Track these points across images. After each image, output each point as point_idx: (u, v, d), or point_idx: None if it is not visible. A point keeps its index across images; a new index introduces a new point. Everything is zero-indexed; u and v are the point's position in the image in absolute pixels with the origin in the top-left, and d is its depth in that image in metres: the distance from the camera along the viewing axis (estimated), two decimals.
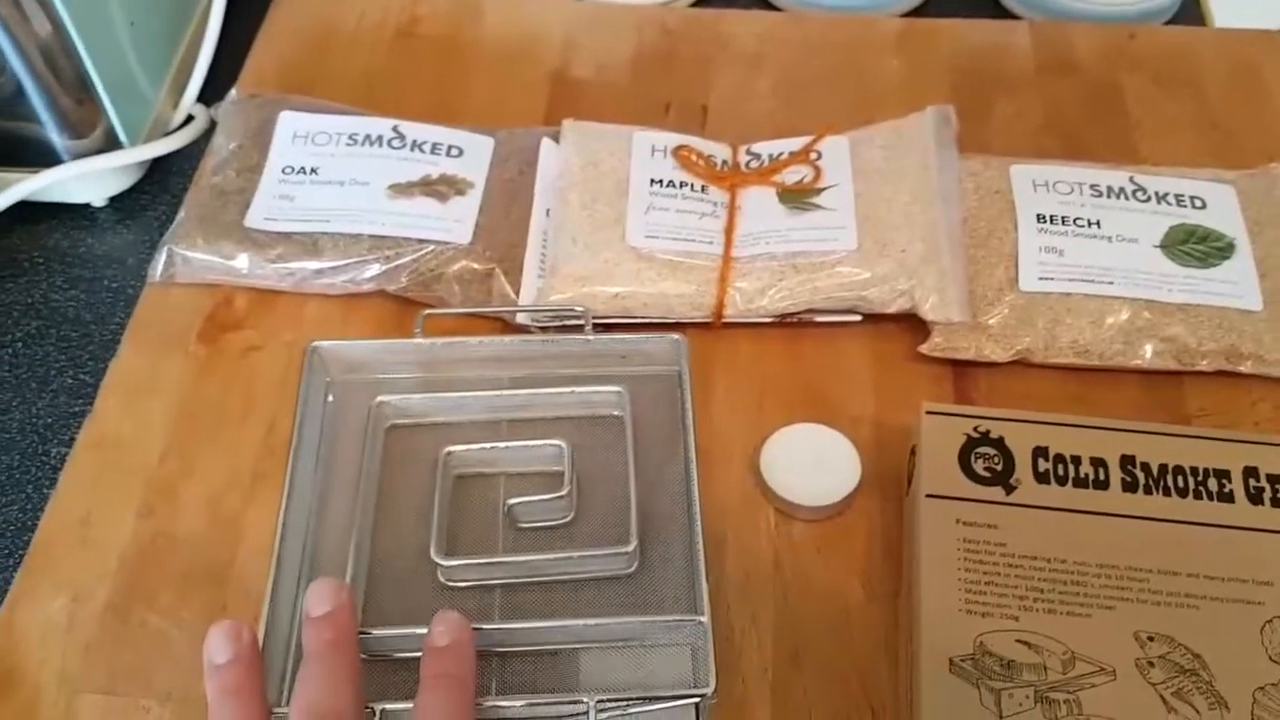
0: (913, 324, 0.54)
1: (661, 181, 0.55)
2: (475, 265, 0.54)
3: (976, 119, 0.61)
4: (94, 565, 0.48)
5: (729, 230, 0.54)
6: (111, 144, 0.60)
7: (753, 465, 0.50)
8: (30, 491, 0.51)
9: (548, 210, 0.56)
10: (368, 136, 0.58)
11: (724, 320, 0.53)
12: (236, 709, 0.36)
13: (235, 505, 0.49)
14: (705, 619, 0.41)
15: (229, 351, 0.54)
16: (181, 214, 0.57)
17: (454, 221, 0.55)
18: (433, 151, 0.58)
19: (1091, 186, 0.55)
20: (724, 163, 0.57)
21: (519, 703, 0.38)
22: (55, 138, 0.58)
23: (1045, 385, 0.52)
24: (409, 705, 0.37)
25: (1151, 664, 0.39)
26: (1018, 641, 0.40)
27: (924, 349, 0.52)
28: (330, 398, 0.50)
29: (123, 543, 0.48)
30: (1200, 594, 0.41)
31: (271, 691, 0.41)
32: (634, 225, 0.54)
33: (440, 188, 0.56)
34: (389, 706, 0.39)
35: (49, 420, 0.54)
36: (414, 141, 0.58)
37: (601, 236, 0.54)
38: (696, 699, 0.40)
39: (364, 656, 0.42)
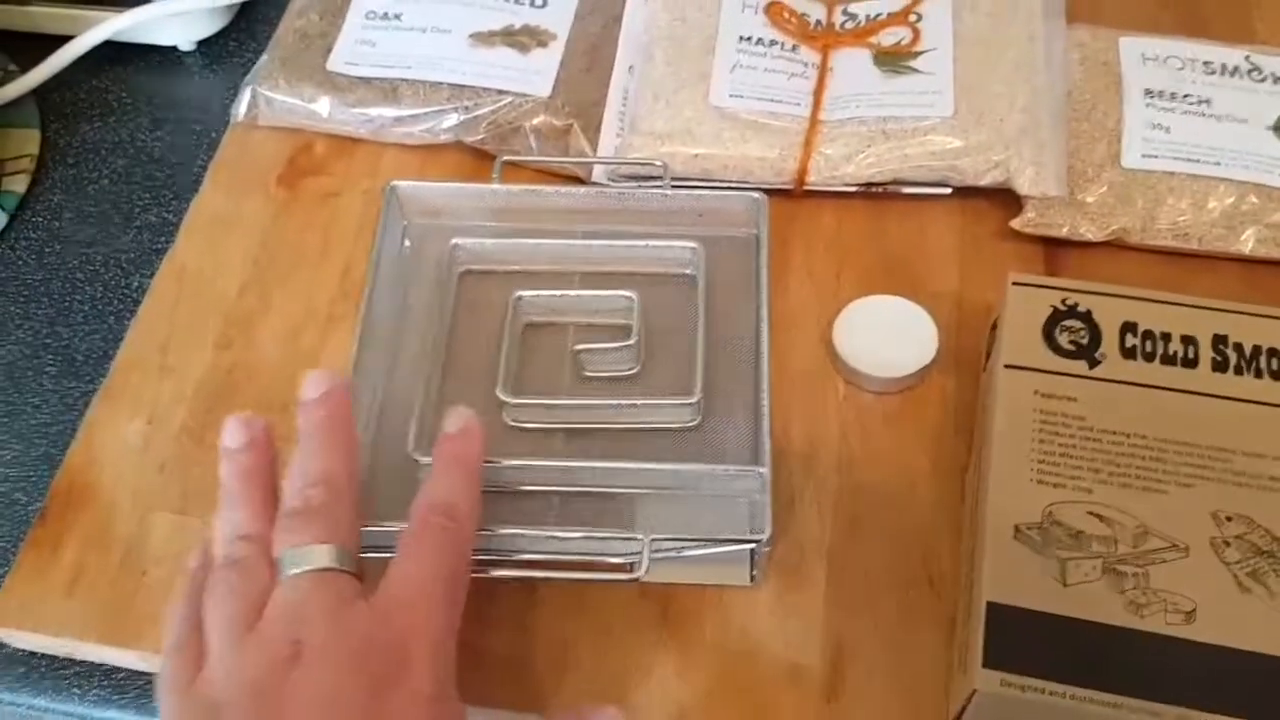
0: (1004, 200, 0.52)
1: (750, 39, 0.54)
2: (554, 120, 0.54)
3: None
4: (171, 391, 0.49)
5: (818, 92, 0.52)
6: None
7: (825, 338, 0.49)
8: (112, 322, 0.52)
9: (631, 67, 0.55)
10: None
11: (806, 187, 0.52)
12: (251, 490, 0.38)
13: (311, 342, 0.50)
14: (765, 470, 0.41)
15: (308, 196, 0.55)
16: (265, 55, 0.56)
17: (534, 74, 0.54)
18: (517, 1, 0.56)
19: (1205, 63, 0.52)
20: (818, 22, 0.55)
21: (576, 534, 0.38)
22: None
23: (1140, 269, 0.50)
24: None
25: (1227, 543, 0.38)
26: (1089, 513, 0.39)
27: (1015, 224, 0.50)
28: (406, 241, 0.50)
29: (200, 371, 0.49)
30: None
31: None
32: (719, 83, 0.52)
33: (522, 38, 0.55)
34: None
35: (132, 255, 0.55)
36: None
37: (684, 94, 0.52)
38: (752, 544, 0.40)
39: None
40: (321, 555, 0.35)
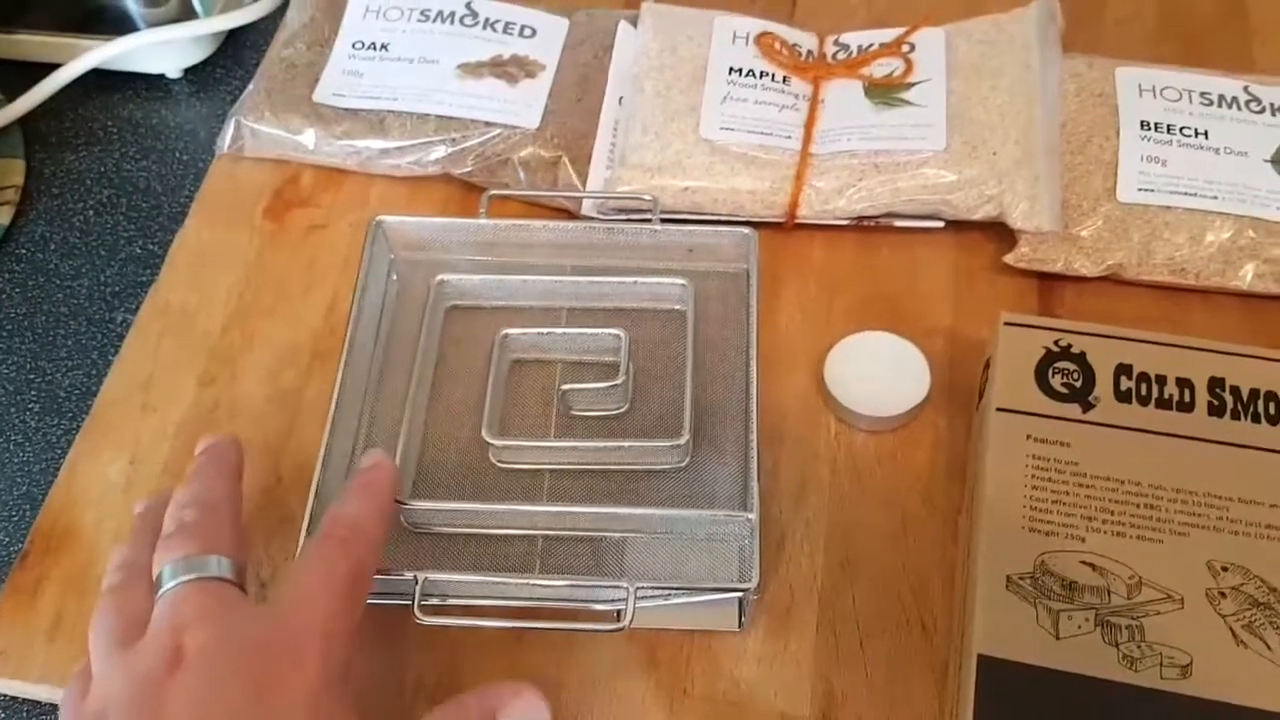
0: (998, 234, 0.51)
1: (741, 70, 0.53)
2: (542, 152, 0.53)
3: (1087, 19, 0.58)
4: (153, 429, 0.48)
5: (809, 124, 0.51)
6: (187, 14, 0.59)
7: (816, 373, 0.48)
8: (95, 358, 0.52)
9: (620, 98, 0.54)
10: (440, 13, 0.56)
11: (797, 220, 0.51)
12: (142, 529, 0.39)
13: (294, 379, 0.49)
14: (753, 516, 0.40)
15: (294, 228, 0.54)
16: (251, 86, 0.56)
17: (523, 105, 0.54)
18: (505, 31, 0.56)
19: (1202, 94, 0.51)
20: (809, 53, 0.54)
21: (560, 582, 0.37)
22: (132, 5, 0.58)
23: (1135, 305, 0.50)
24: (451, 576, 0.37)
25: (1223, 594, 0.37)
26: (1082, 563, 0.38)
27: (1009, 259, 0.50)
28: (393, 276, 0.49)
29: (182, 409, 0.48)
30: None
31: None
32: (709, 116, 0.52)
33: (510, 69, 0.55)
34: (431, 575, 0.39)
35: (116, 288, 0.54)
36: (486, 19, 0.56)
37: (674, 127, 0.52)
38: (739, 593, 0.39)
39: (411, 529, 0.42)
40: (199, 564, 0.35)
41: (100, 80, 0.60)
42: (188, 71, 0.62)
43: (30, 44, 0.60)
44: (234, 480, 0.40)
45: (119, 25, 0.58)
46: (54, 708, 0.43)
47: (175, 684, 0.32)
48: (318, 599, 0.34)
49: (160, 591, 0.35)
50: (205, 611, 0.34)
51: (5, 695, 0.44)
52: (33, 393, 0.51)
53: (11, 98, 0.58)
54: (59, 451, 0.49)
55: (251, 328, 0.51)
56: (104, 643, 0.35)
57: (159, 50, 0.60)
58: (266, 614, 0.34)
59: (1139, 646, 0.36)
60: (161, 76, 0.61)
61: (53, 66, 0.58)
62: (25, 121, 0.59)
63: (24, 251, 0.55)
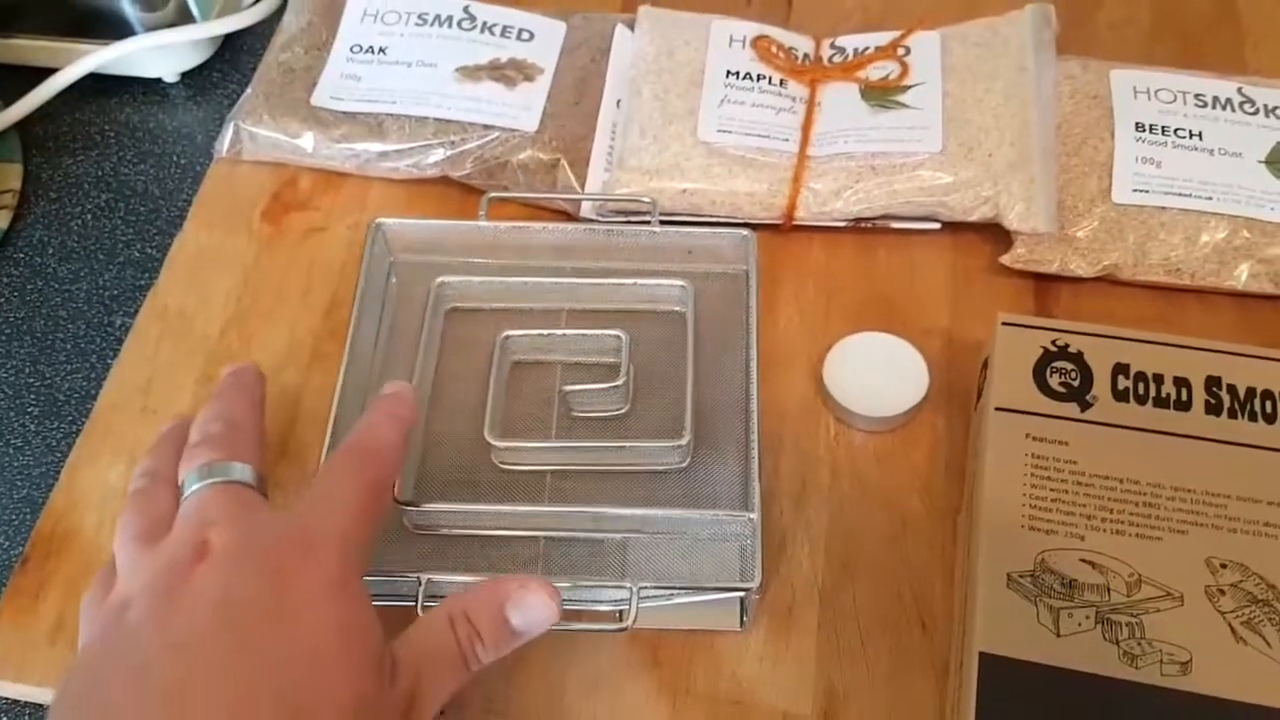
0: (994, 235, 0.51)
1: (738, 74, 0.53)
2: (541, 155, 0.53)
3: (1081, 21, 0.58)
4: (154, 432, 0.47)
5: (806, 127, 0.52)
6: (184, 18, 0.59)
7: (815, 374, 0.48)
8: (95, 361, 0.52)
9: (618, 101, 0.54)
10: (438, 16, 0.56)
11: (795, 222, 0.51)
12: (164, 443, 0.41)
13: (293, 380, 0.49)
14: (755, 516, 0.40)
15: (293, 231, 0.54)
16: (249, 90, 0.56)
17: (521, 108, 0.54)
18: (503, 34, 0.56)
19: (1196, 96, 0.52)
20: (805, 56, 0.55)
21: (563, 584, 0.37)
22: (129, 9, 0.58)
23: (1131, 305, 0.50)
24: (454, 577, 0.37)
25: (1222, 591, 0.37)
26: (1081, 561, 0.38)
27: (1005, 260, 0.50)
28: (392, 278, 0.49)
29: (182, 412, 0.48)
30: None
31: None
32: (706, 119, 0.52)
33: (509, 72, 0.55)
34: (434, 577, 0.39)
35: (115, 292, 0.54)
36: (484, 23, 0.56)
37: (672, 130, 0.52)
38: (741, 593, 0.40)
39: (413, 530, 0.42)
40: (223, 470, 0.37)
41: (97, 85, 0.60)
42: (185, 76, 0.62)
43: (27, 48, 0.60)
44: (257, 401, 0.41)
45: (116, 30, 0.58)
46: None
47: (199, 574, 0.33)
48: (336, 504, 0.36)
49: (185, 494, 0.36)
50: (229, 511, 0.35)
51: (6, 699, 0.44)
52: (32, 396, 0.51)
53: (8, 102, 0.58)
54: (59, 455, 0.49)
55: (250, 330, 0.51)
56: (129, 541, 0.36)
57: (156, 54, 0.60)
58: (287, 516, 0.36)
59: (1139, 643, 0.37)
60: (158, 81, 0.61)
61: (49, 71, 0.59)
62: (22, 126, 0.59)
63: (22, 255, 0.55)
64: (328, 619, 0.33)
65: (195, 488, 0.36)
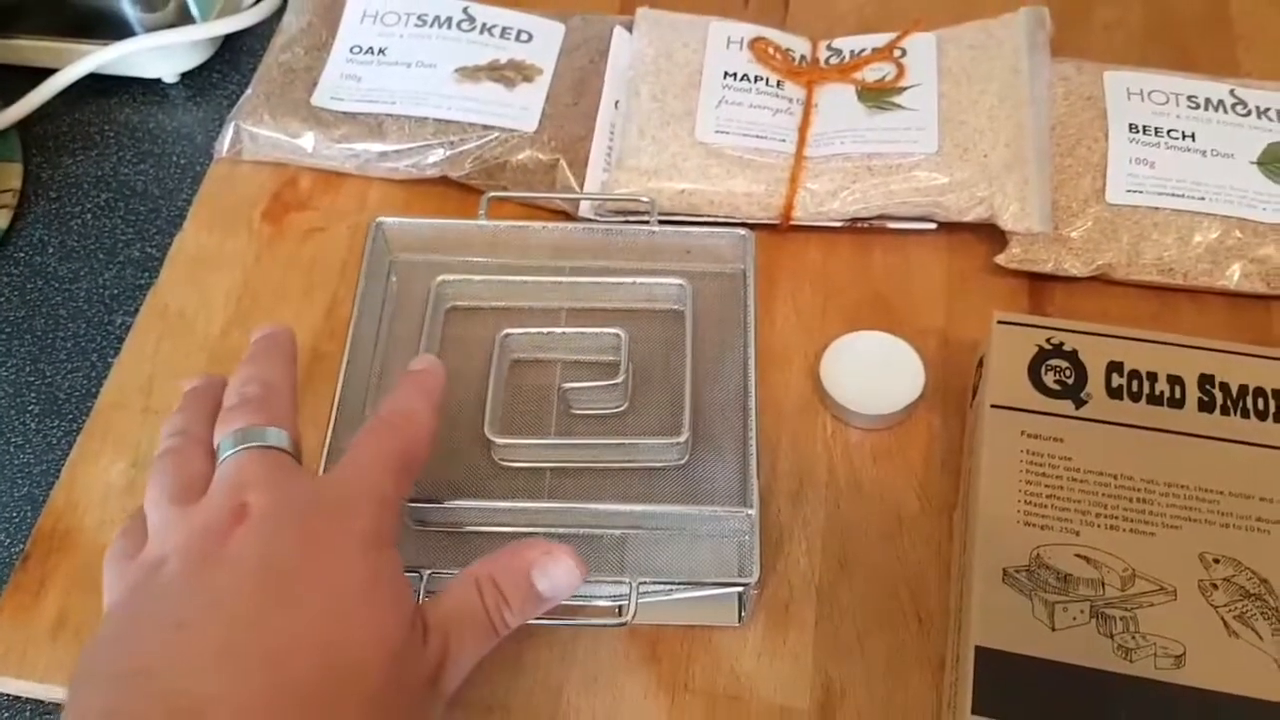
0: (989, 235, 0.52)
1: (736, 75, 0.54)
2: (540, 155, 0.53)
3: (1074, 23, 0.58)
4: (154, 431, 0.48)
5: (803, 128, 0.52)
6: (184, 19, 0.60)
7: (812, 372, 0.49)
8: (95, 360, 0.52)
9: (616, 102, 0.54)
10: (437, 18, 0.57)
11: (792, 222, 0.52)
12: (196, 402, 0.41)
13: None
14: (753, 512, 0.40)
15: (293, 231, 0.54)
16: (249, 90, 0.56)
17: (520, 109, 0.54)
18: (502, 35, 0.56)
19: (1189, 98, 0.52)
20: (802, 58, 0.55)
21: None
22: (129, 10, 0.58)
23: (1125, 304, 0.50)
24: (456, 572, 0.38)
25: (1215, 586, 0.38)
26: (1076, 556, 0.39)
27: (1000, 260, 0.51)
28: (392, 277, 0.50)
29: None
30: (1273, 518, 0.39)
31: None
32: (704, 119, 0.52)
33: (508, 73, 0.55)
34: (437, 571, 0.39)
35: (115, 291, 0.54)
36: (483, 24, 0.57)
37: (670, 130, 0.52)
38: (739, 588, 0.40)
39: (416, 527, 0.43)
40: (259, 435, 0.37)
41: (96, 85, 0.60)
42: (184, 76, 0.62)
43: (27, 49, 0.60)
44: (291, 364, 0.41)
45: (116, 30, 0.59)
46: (57, 707, 0.44)
47: (237, 536, 0.33)
48: (370, 470, 0.36)
49: (222, 458, 0.37)
50: (266, 476, 0.36)
51: (8, 695, 0.44)
52: (32, 395, 0.51)
53: (9, 102, 0.59)
54: (59, 453, 0.49)
55: (251, 329, 0.50)
56: (163, 500, 0.36)
57: (156, 55, 0.60)
58: (323, 479, 0.37)
59: (1133, 637, 0.37)
60: (158, 81, 0.62)
61: (50, 71, 0.59)
62: (22, 126, 0.59)
63: (22, 255, 0.56)
64: (362, 575, 0.34)
65: (231, 452, 0.36)
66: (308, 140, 0.54)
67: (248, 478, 0.36)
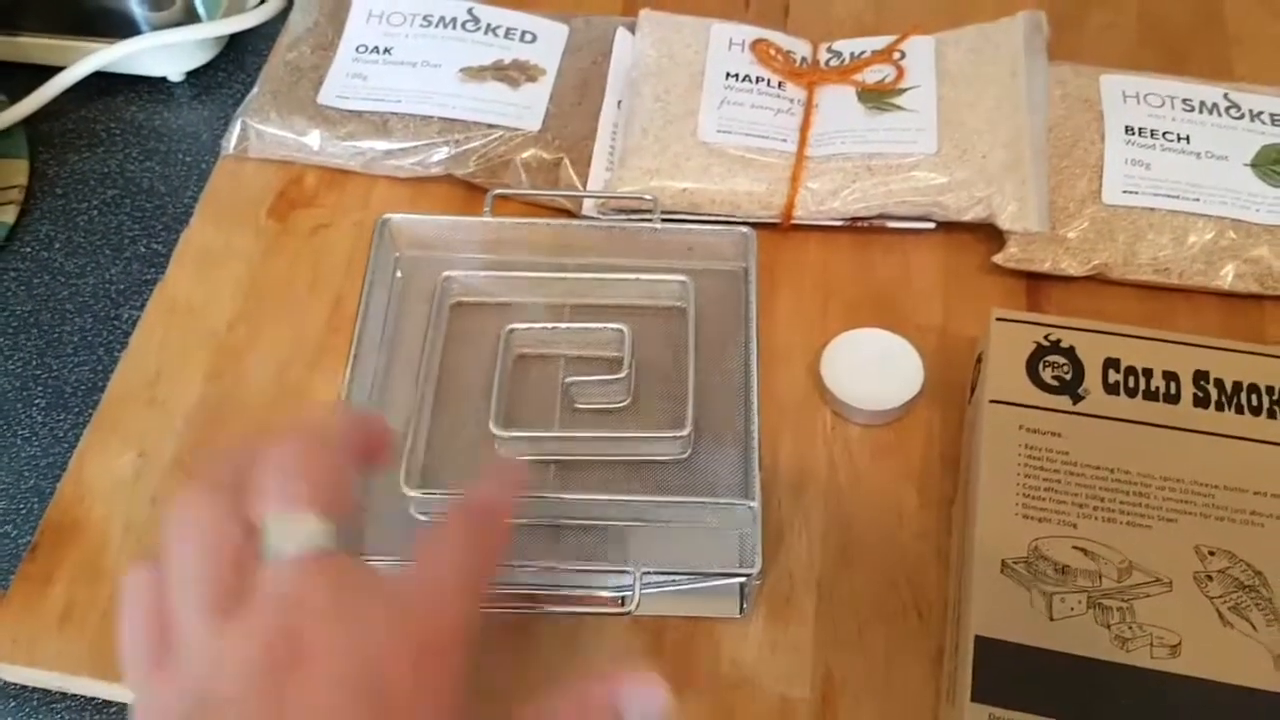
0: (987, 235, 0.52)
1: (737, 76, 0.54)
2: (544, 154, 0.54)
3: (1070, 27, 0.59)
4: (161, 423, 0.49)
5: (804, 128, 0.53)
6: (190, 18, 0.60)
7: (812, 369, 0.49)
8: (102, 354, 0.53)
9: (619, 102, 0.55)
10: (442, 18, 0.57)
11: (793, 221, 0.53)
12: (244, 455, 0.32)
13: (301, 375, 0.50)
14: (755, 504, 0.41)
15: (299, 228, 0.55)
16: (256, 88, 0.57)
17: (524, 108, 0.55)
18: (506, 36, 0.57)
19: (1184, 101, 0.53)
20: (803, 59, 0.56)
21: (568, 567, 0.38)
22: (135, 8, 0.58)
23: (1120, 303, 0.51)
24: None
25: (1210, 577, 0.39)
26: (1074, 548, 0.40)
27: (998, 259, 0.51)
28: (397, 273, 0.50)
29: (190, 404, 0.49)
30: (1267, 512, 0.40)
31: None
32: (706, 119, 0.53)
33: (512, 73, 0.56)
34: None
35: (122, 286, 0.55)
36: (488, 25, 0.57)
37: (673, 130, 0.53)
38: (742, 579, 0.41)
39: (420, 520, 0.43)
40: (317, 532, 0.30)
41: (102, 83, 0.61)
42: (190, 75, 0.62)
43: (34, 46, 0.61)
44: (359, 453, 0.34)
45: (122, 28, 0.59)
46: (64, 696, 0.44)
47: (294, 686, 0.28)
48: (449, 589, 0.31)
49: (273, 554, 0.30)
50: (327, 597, 0.29)
51: (16, 684, 0.44)
52: (39, 388, 0.51)
53: (15, 99, 0.59)
54: (66, 446, 0.49)
55: (257, 325, 0.51)
56: (200, 609, 0.29)
57: (162, 53, 0.60)
58: (395, 600, 0.30)
59: (1130, 627, 0.38)
60: (164, 79, 0.62)
61: (56, 69, 0.59)
62: (28, 123, 0.60)
63: (29, 250, 0.56)
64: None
65: (286, 549, 0.30)
66: (314, 138, 0.55)
67: (304, 598, 0.29)
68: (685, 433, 0.44)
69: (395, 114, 0.55)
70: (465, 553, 0.32)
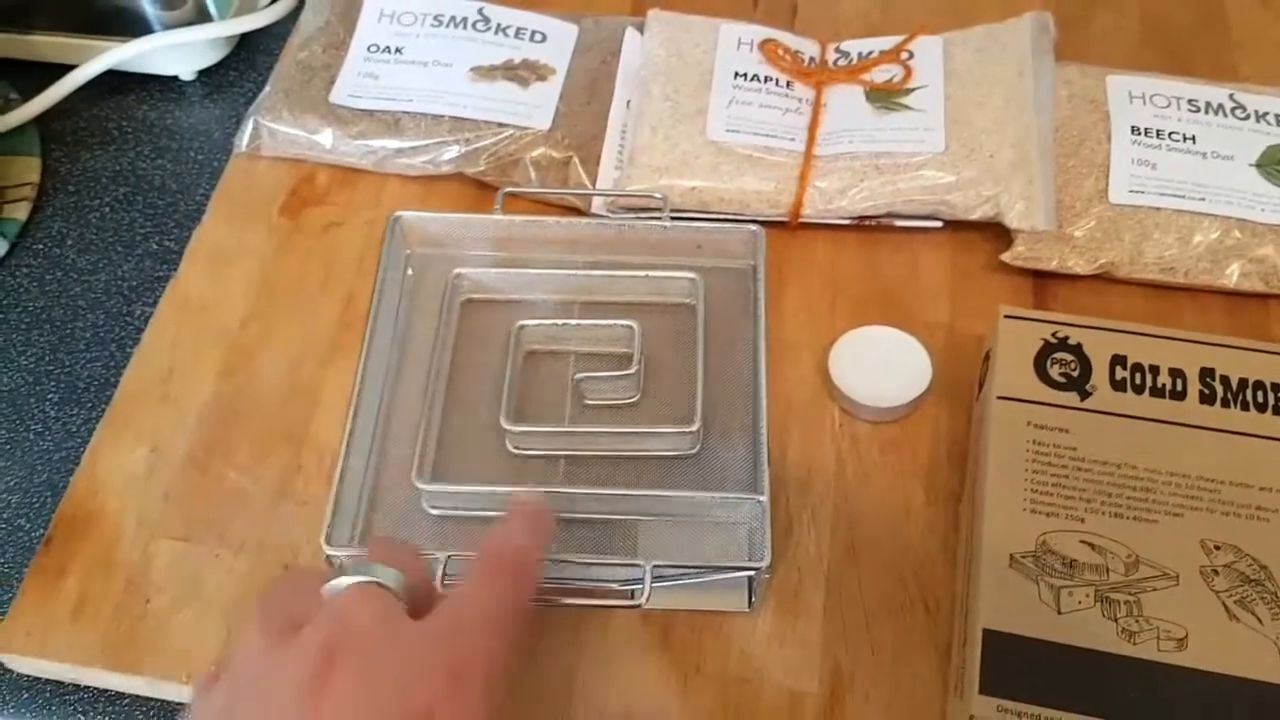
0: (994, 233, 0.53)
1: (746, 75, 0.55)
2: (553, 152, 0.54)
3: (1074, 28, 0.60)
4: (174, 419, 0.49)
5: (812, 127, 0.53)
6: (202, 17, 0.60)
7: (820, 366, 0.50)
8: (114, 350, 0.53)
9: (628, 102, 0.56)
10: (453, 18, 0.58)
11: (801, 220, 0.53)
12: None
13: (312, 371, 0.50)
14: (764, 498, 0.41)
15: (310, 226, 0.55)
16: (268, 87, 0.57)
17: (534, 107, 0.55)
18: (516, 36, 0.57)
19: (1189, 101, 0.54)
20: (811, 59, 0.56)
21: (579, 560, 0.39)
22: (147, 7, 0.59)
23: (1126, 301, 0.51)
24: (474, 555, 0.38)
25: (1216, 572, 0.39)
26: (1081, 542, 0.40)
27: (1005, 257, 0.52)
28: (409, 270, 0.51)
29: (203, 400, 0.49)
30: (1272, 507, 0.40)
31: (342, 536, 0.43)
32: (715, 118, 0.53)
33: (522, 72, 0.56)
34: (457, 554, 0.40)
35: (134, 283, 0.55)
36: (498, 25, 0.58)
37: (682, 129, 0.53)
38: (750, 573, 0.41)
39: (432, 511, 0.44)
40: (378, 571, 0.33)
41: (114, 81, 0.61)
42: (201, 74, 0.63)
43: (46, 45, 0.61)
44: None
45: (134, 27, 0.59)
46: (77, 687, 0.44)
47: (330, 690, 0.30)
48: (484, 625, 0.33)
49: (333, 588, 0.33)
50: (372, 619, 0.32)
51: (29, 676, 0.44)
52: (52, 384, 0.52)
53: (27, 97, 0.59)
54: (79, 440, 0.50)
55: (270, 321, 0.52)
56: (262, 623, 0.33)
57: (174, 52, 0.61)
58: (431, 632, 0.32)
59: (1137, 621, 0.38)
60: (175, 78, 0.62)
61: (68, 67, 0.60)
62: (41, 121, 0.60)
63: (41, 247, 0.56)
64: None
65: (345, 583, 0.33)
66: (326, 137, 0.55)
67: (350, 619, 0.32)
68: (694, 428, 0.44)
69: (406, 113, 0.55)
70: (502, 595, 0.34)
